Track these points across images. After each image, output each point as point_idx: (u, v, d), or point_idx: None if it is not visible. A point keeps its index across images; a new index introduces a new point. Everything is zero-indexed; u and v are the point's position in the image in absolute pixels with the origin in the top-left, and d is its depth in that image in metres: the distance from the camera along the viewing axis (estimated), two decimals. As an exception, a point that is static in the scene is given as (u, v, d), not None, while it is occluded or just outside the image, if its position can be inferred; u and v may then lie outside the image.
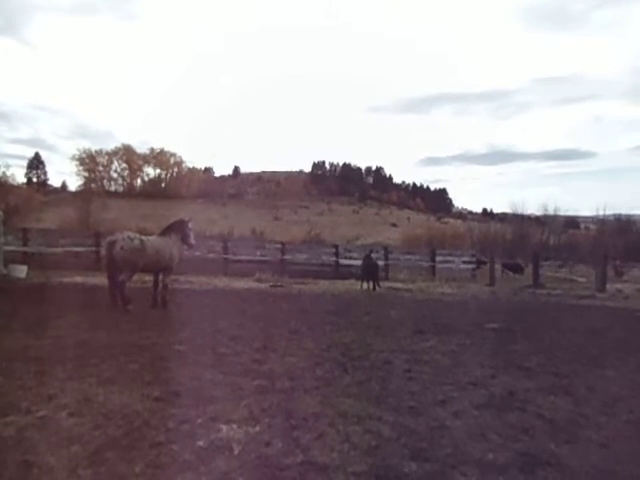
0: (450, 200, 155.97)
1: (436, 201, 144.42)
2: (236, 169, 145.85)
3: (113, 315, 7.93)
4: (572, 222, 67.43)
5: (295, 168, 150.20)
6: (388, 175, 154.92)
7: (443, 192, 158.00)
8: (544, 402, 4.30)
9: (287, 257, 21.12)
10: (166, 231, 9.49)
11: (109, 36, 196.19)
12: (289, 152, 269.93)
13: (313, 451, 3.05)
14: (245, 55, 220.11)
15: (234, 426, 3.40)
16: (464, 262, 24.41)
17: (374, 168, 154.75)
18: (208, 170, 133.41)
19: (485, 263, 24.39)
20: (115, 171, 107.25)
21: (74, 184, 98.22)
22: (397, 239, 55.94)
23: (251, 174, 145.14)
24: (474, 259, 25.39)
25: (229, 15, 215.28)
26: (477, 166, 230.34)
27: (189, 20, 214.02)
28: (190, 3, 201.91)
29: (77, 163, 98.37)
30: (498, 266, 23.76)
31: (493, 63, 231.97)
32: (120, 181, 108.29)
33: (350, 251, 22.97)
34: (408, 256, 24.17)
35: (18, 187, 46.88)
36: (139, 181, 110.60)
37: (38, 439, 3.07)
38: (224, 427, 3.38)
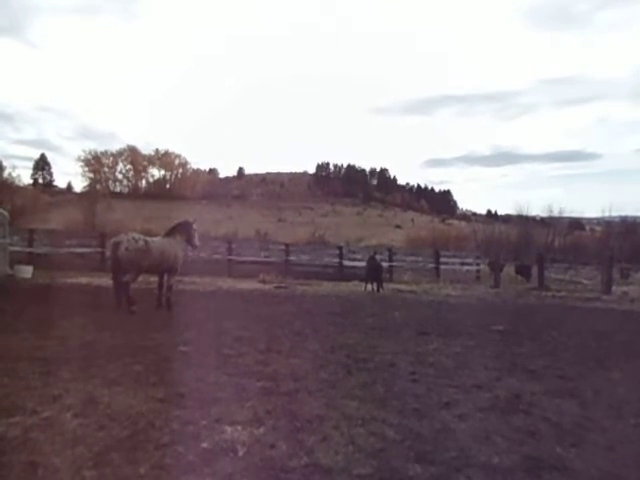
0: (454, 202, 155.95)
1: (440, 203, 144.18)
2: (240, 170, 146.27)
3: (118, 316, 7.96)
4: (577, 224, 67.04)
5: (299, 169, 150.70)
6: (392, 177, 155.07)
7: (447, 194, 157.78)
8: (550, 405, 4.27)
9: (291, 258, 21.15)
10: (171, 232, 9.52)
11: (113, 37, 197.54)
12: (293, 153, 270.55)
13: (317, 453, 3.05)
14: (249, 56, 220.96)
15: (238, 428, 3.40)
16: (468, 264, 24.36)
17: (378, 170, 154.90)
18: (213, 171, 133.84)
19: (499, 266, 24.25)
20: (120, 172, 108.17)
21: (79, 185, 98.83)
22: (401, 240, 55.88)
23: (255, 175, 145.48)
24: (478, 261, 25.32)
25: (231, 16, 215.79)
26: (481, 167, 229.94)
27: (192, 21, 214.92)
28: (193, 4, 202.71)
29: (82, 164, 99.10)
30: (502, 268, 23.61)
31: (497, 64, 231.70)
32: (125, 182, 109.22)
33: (354, 252, 22.99)
34: (412, 258, 24.15)
35: (24, 188, 47.17)
36: (144, 182, 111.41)
37: (43, 440, 3.07)
38: (228, 429, 3.37)
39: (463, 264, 24.41)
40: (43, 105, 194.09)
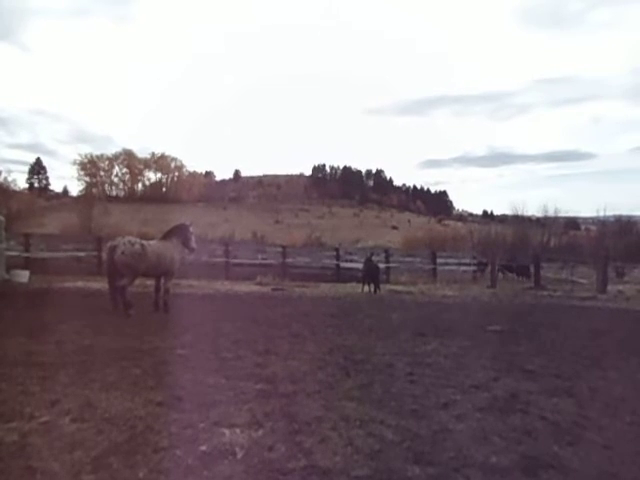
0: (450, 202, 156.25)
1: (436, 203, 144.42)
2: (237, 173, 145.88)
3: (115, 320, 7.94)
4: (572, 223, 67.34)
5: (296, 171, 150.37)
6: (388, 178, 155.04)
7: (443, 194, 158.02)
8: (547, 404, 4.29)
9: (288, 260, 21.14)
10: (167, 235, 9.51)
11: (107, 39, 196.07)
12: (289, 155, 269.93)
13: (316, 455, 3.05)
14: (244, 57, 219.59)
15: (237, 430, 3.40)
16: (465, 264, 24.43)
17: (374, 171, 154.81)
18: (209, 174, 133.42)
19: (510, 269, 24.34)
20: (116, 176, 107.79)
21: (75, 189, 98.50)
22: (398, 242, 55.86)
23: (252, 178, 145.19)
24: (475, 262, 25.37)
25: (228, 18, 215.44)
26: (477, 168, 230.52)
27: (186, 23, 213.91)
28: (188, 5, 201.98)
29: (78, 168, 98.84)
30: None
31: (492, 64, 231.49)
32: (121, 186, 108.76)
33: (351, 254, 23.02)
34: (409, 259, 24.22)
35: (20, 192, 46.87)
36: (140, 185, 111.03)
37: (41, 445, 3.07)
38: (227, 431, 3.37)
39: (460, 264, 24.47)
40: (37, 109, 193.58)
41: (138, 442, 3.15)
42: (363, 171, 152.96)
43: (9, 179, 41.96)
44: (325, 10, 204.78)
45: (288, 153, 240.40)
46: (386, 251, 23.91)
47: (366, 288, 15.50)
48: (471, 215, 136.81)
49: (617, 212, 50.69)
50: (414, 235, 55.85)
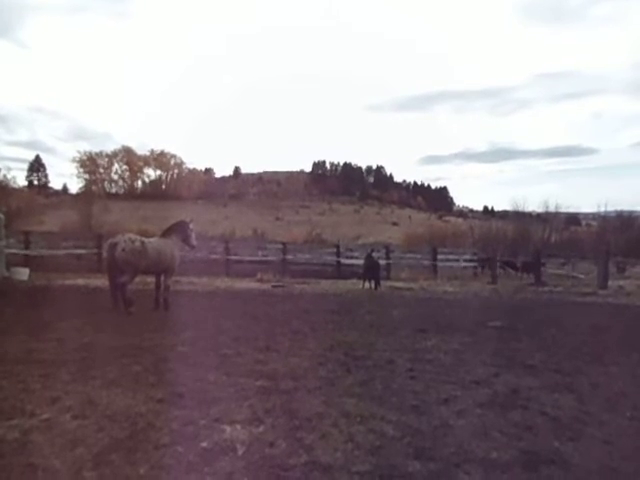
0: (451, 198, 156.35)
1: (437, 199, 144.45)
2: (237, 170, 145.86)
3: (115, 317, 7.94)
4: (573, 219, 67.34)
5: (296, 168, 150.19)
6: (389, 174, 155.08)
7: (444, 190, 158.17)
8: (547, 400, 4.29)
9: (288, 257, 21.13)
10: (167, 232, 9.50)
11: (107, 36, 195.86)
12: (289, 152, 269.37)
13: (317, 451, 3.06)
14: (245, 55, 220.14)
15: (238, 427, 3.41)
16: (465, 260, 24.45)
17: (375, 167, 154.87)
18: (209, 171, 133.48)
19: (514, 266, 24.32)
20: (116, 173, 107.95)
21: (75, 186, 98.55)
22: (398, 238, 55.89)
23: (252, 174, 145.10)
24: (476, 258, 25.37)
25: (229, 15, 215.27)
26: (478, 164, 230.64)
27: (188, 20, 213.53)
28: (187, 2, 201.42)
29: (78, 165, 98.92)
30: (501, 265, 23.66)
31: (492, 60, 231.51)
32: (121, 183, 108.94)
33: (351, 250, 22.98)
34: (409, 255, 24.17)
35: (19, 190, 46.91)
36: (140, 183, 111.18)
37: (42, 442, 3.07)
38: (228, 428, 3.38)
39: (461, 260, 24.46)
40: (36, 106, 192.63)
41: (139, 439, 3.16)
42: (363, 167, 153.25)
43: (8, 177, 42.02)
44: (325, 11, 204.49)
45: (288, 150, 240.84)
46: (387, 247, 23.86)
47: (367, 284, 15.51)
48: (472, 211, 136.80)
49: (618, 207, 50.62)
50: (415, 231, 55.86)
